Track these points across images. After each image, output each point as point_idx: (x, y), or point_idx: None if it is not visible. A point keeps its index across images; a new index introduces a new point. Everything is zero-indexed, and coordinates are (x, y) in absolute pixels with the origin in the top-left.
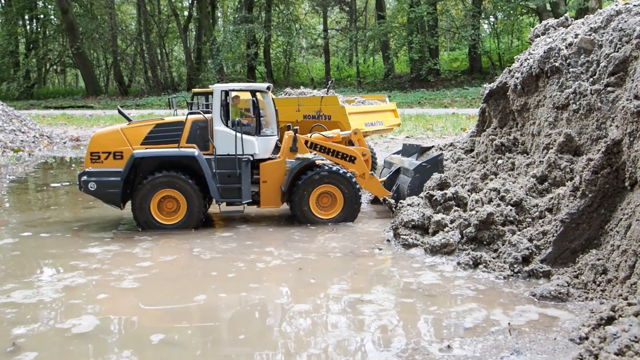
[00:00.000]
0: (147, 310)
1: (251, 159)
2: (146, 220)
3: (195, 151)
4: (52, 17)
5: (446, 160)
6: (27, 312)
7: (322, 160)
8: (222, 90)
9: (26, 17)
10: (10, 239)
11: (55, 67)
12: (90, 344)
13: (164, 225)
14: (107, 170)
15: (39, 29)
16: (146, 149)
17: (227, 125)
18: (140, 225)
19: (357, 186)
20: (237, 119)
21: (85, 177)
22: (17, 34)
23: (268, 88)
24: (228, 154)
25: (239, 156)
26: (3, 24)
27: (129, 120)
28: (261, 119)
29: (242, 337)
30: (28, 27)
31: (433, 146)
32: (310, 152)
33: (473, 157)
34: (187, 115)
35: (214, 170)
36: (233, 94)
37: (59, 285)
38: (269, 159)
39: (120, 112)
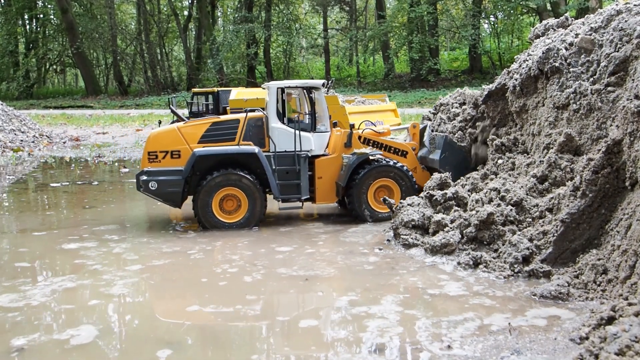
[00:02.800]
0: (151, 318)
1: (308, 155)
2: (209, 220)
3: (255, 148)
4: (52, 16)
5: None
6: (26, 315)
7: (379, 154)
8: (278, 88)
9: (26, 16)
10: (10, 239)
11: (54, 66)
12: (89, 349)
13: (225, 224)
14: (166, 169)
15: (38, 29)
16: (203, 147)
17: (283, 122)
18: (203, 225)
19: (414, 180)
20: (295, 115)
21: (145, 177)
22: (16, 34)
23: (323, 85)
24: (286, 151)
25: (297, 152)
26: (3, 24)
27: (182, 119)
28: (316, 115)
29: (246, 344)
30: (27, 26)
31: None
32: (365, 148)
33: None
34: (246, 112)
35: (274, 167)
36: (290, 91)
37: (49, 289)
38: (322, 155)
39: (173, 111)
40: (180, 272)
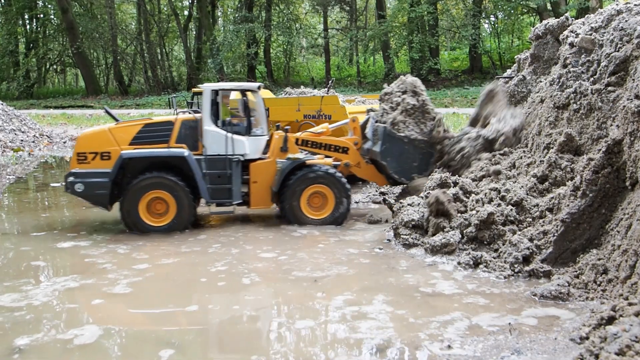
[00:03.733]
0: (148, 318)
1: (241, 159)
2: (135, 222)
3: (185, 151)
4: (52, 16)
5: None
6: (29, 315)
7: (313, 159)
8: (212, 90)
9: (26, 16)
10: (10, 238)
11: (55, 66)
12: (91, 348)
13: (152, 227)
14: (94, 171)
15: (38, 29)
16: (135, 149)
17: (217, 125)
18: (129, 227)
19: (348, 187)
20: (227, 118)
21: (71, 178)
22: (17, 34)
23: (259, 87)
24: (218, 154)
25: (229, 156)
26: (3, 24)
27: (116, 120)
28: (251, 118)
29: (246, 345)
30: (28, 26)
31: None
32: (301, 152)
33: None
34: (177, 114)
35: (204, 171)
36: (230, 93)
37: (51, 289)
38: (259, 159)
39: (107, 111)
40: (182, 273)
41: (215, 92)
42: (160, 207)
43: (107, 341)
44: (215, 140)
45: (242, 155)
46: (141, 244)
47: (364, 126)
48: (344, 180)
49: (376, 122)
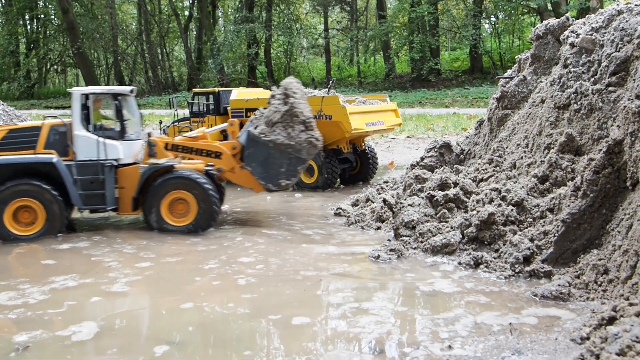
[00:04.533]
0: (148, 316)
1: (115, 163)
2: (0, 233)
3: (53, 157)
4: (53, 17)
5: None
6: (29, 312)
7: (177, 164)
8: (81, 94)
9: (27, 17)
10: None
11: (55, 67)
12: (89, 345)
13: (20, 236)
14: None
15: (39, 29)
16: None
17: (88, 130)
18: None
19: (210, 191)
20: (98, 123)
21: None
22: (17, 34)
23: (131, 91)
24: (90, 160)
25: (102, 161)
26: (3, 24)
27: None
28: (125, 122)
29: (245, 343)
30: (28, 27)
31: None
32: (172, 156)
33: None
34: (44, 119)
35: (75, 177)
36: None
37: (52, 287)
38: (134, 163)
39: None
40: (181, 272)
41: (86, 96)
42: (27, 215)
43: (104, 338)
44: (86, 145)
45: (116, 160)
46: (143, 239)
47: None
48: (207, 185)
49: (255, 127)
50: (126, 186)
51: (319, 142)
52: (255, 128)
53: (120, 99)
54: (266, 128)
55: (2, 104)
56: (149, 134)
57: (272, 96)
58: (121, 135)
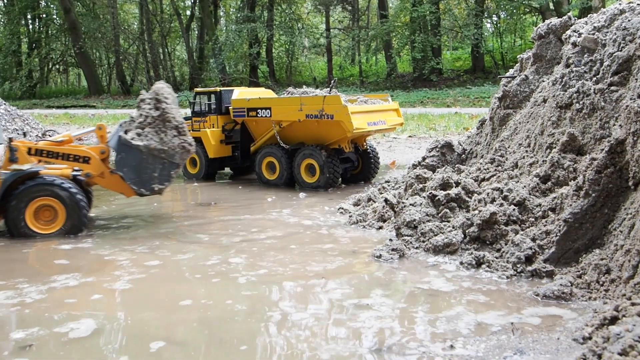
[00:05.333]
0: (145, 314)
1: None
2: None
3: None
4: (55, 16)
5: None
6: (30, 310)
7: (42, 169)
8: None
9: (29, 16)
10: (15, 237)
11: (57, 66)
12: (89, 346)
13: None
14: None
15: (41, 29)
16: None
17: None
18: None
19: (78, 196)
20: None
21: None
22: (19, 34)
23: None
24: None
25: None
26: (6, 24)
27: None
28: None
29: (244, 343)
30: (30, 26)
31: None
32: (36, 161)
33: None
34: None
35: None
36: None
37: (54, 286)
38: None
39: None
40: (182, 271)
41: None
42: None
43: (101, 335)
44: None
45: None
46: (143, 239)
47: None
48: (73, 190)
49: (125, 131)
50: None
51: (192, 147)
52: (126, 133)
53: None
54: (138, 133)
55: (4, 104)
56: (11, 139)
57: (142, 100)
58: None
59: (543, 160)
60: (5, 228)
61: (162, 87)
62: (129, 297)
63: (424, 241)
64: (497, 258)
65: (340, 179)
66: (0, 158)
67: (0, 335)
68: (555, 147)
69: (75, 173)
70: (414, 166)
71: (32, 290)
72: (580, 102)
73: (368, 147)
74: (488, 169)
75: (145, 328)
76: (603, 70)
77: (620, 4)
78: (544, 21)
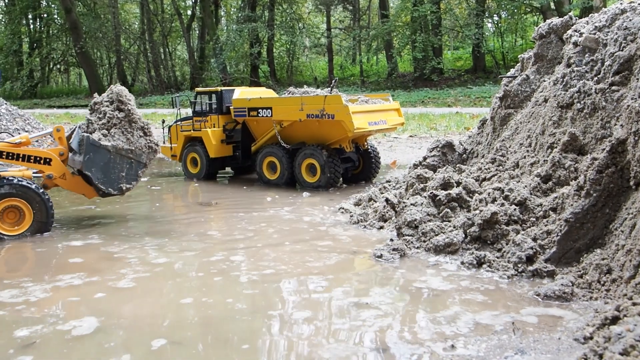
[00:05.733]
0: (147, 312)
1: None
2: None
3: None
4: (56, 16)
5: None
6: (34, 308)
7: (4, 171)
8: None
9: (30, 16)
10: (17, 237)
11: (58, 66)
12: (91, 344)
13: None
14: None
15: (42, 28)
16: None
17: None
18: None
19: (46, 198)
20: None
21: None
22: (20, 33)
23: None
24: None
25: None
26: (7, 23)
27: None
28: None
29: (245, 342)
30: (31, 26)
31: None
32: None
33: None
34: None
35: None
36: None
37: (56, 285)
38: None
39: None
40: (184, 269)
41: None
42: None
43: (103, 332)
44: None
45: None
46: (145, 238)
47: (69, 137)
48: (40, 190)
49: (83, 132)
50: None
51: (158, 147)
52: (91, 134)
53: None
54: (104, 134)
55: (5, 103)
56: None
57: (99, 103)
58: None
59: (544, 160)
60: None
61: (121, 89)
62: (131, 295)
63: (424, 241)
64: (498, 258)
65: (341, 178)
66: None
67: (4, 333)
68: (556, 147)
69: (36, 175)
70: (415, 166)
71: (36, 289)
72: (582, 102)
73: (369, 147)
74: (489, 168)
75: (147, 326)
76: (604, 70)
77: (621, 3)
78: (545, 21)
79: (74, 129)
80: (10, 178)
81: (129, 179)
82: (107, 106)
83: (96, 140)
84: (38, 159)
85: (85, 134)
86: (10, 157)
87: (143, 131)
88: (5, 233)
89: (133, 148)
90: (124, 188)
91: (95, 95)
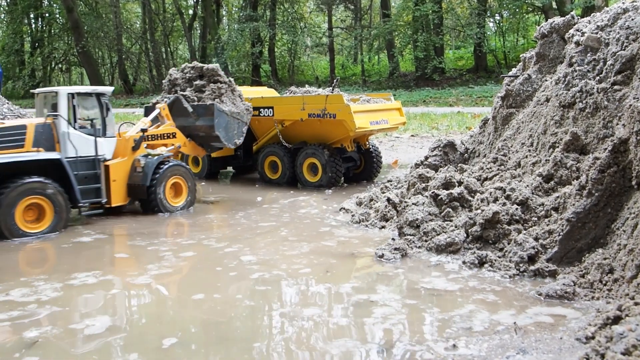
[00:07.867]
0: (158, 310)
1: (103, 159)
2: (10, 230)
3: (58, 154)
4: (57, 15)
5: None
6: (43, 307)
7: (168, 154)
8: (68, 93)
9: (31, 15)
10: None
11: (60, 65)
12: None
13: (30, 233)
14: None
15: (44, 28)
16: None
17: (74, 128)
18: (4, 236)
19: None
20: (93, 120)
21: None
22: (22, 33)
23: (112, 92)
24: (80, 156)
25: (99, 157)
26: (8, 23)
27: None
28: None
29: (253, 339)
30: (33, 25)
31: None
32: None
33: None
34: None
35: (74, 172)
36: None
37: (62, 284)
38: (110, 159)
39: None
40: (192, 268)
41: (72, 95)
42: (33, 213)
43: (114, 331)
44: (77, 142)
45: (103, 155)
46: (146, 238)
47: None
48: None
49: (211, 102)
50: (117, 179)
51: (252, 108)
52: (213, 104)
53: (103, 98)
54: (219, 101)
55: (7, 103)
56: (144, 130)
57: (199, 77)
58: (103, 132)
59: (546, 160)
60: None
61: (215, 66)
62: (144, 293)
63: (426, 240)
64: (499, 257)
65: (342, 178)
66: (111, 150)
67: (14, 330)
68: (558, 147)
69: (168, 153)
70: (417, 165)
71: (47, 288)
72: (584, 102)
73: (370, 146)
74: (491, 168)
75: (158, 324)
76: (606, 69)
77: (623, 3)
78: (546, 20)
79: (169, 102)
80: (171, 160)
81: (239, 135)
82: (200, 80)
83: (221, 107)
84: (168, 134)
85: (210, 102)
86: (153, 139)
87: (240, 97)
88: (172, 205)
89: (239, 111)
90: (238, 142)
91: (173, 69)
